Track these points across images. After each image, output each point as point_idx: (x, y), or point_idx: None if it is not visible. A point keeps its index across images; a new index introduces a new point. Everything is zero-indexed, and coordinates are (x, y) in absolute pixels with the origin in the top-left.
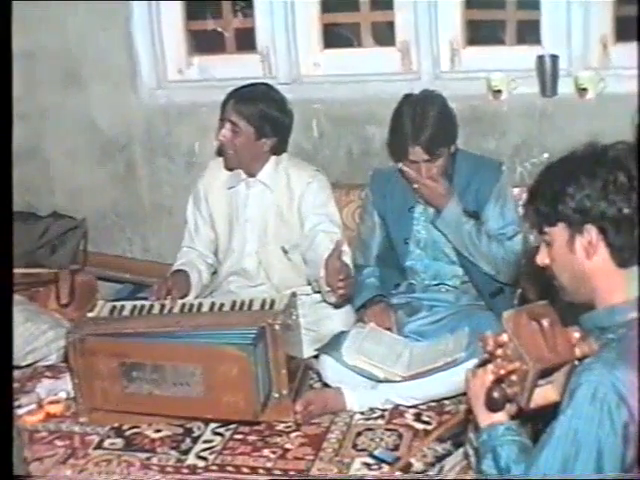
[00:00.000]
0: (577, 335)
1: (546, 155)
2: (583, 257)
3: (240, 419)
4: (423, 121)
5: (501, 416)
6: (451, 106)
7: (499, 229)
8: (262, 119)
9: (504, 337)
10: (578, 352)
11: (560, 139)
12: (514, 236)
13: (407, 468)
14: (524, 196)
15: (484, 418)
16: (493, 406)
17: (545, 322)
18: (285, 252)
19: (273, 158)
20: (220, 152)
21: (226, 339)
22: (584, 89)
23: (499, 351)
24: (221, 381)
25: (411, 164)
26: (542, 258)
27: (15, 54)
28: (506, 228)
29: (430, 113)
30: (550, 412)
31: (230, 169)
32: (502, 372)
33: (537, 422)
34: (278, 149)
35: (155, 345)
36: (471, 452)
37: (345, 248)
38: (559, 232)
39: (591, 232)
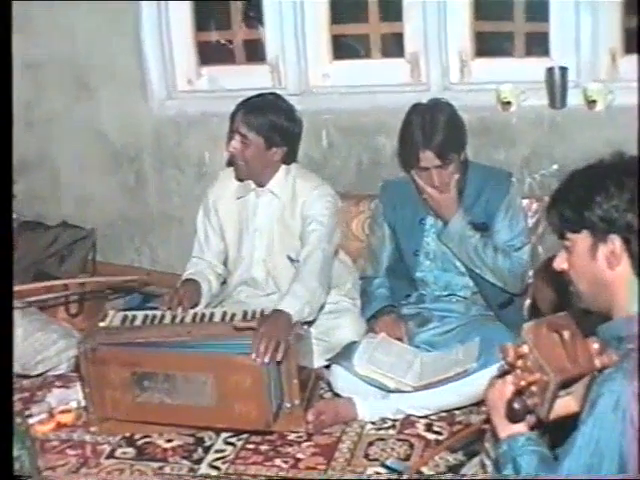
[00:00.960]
0: (596, 346)
1: (555, 166)
2: (605, 266)
3: (252, 429)
4: (433, 127)
5: (521, 427)
6: (459, 114)
7: (508, 241)
8: (271, 129)
9: (525, 348)
10: (598, 363)
11: (569, 151)
12: (522, 247)
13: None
14: (533, 207)
15: (504, 429)
16: (514, 417)
17: (566, 333)
18: (292, 261)
19: (283, 168)
20: (230, 163)
21: (239, 349)
22: (593, 101)
23: (519, 362)
24: (233, 390)
25: (422, 172)
26: (560, 263)
27: (25, 63)
28: (514, 240)
29: (440, 119)
30: (569, 423)
31: (241, 180)
32: (523, 383)
33: (556, 433)
34: (288, 158)
35: (167, 354)
36: (488, 462)
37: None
38: (582, 239)
39: (615, 242)
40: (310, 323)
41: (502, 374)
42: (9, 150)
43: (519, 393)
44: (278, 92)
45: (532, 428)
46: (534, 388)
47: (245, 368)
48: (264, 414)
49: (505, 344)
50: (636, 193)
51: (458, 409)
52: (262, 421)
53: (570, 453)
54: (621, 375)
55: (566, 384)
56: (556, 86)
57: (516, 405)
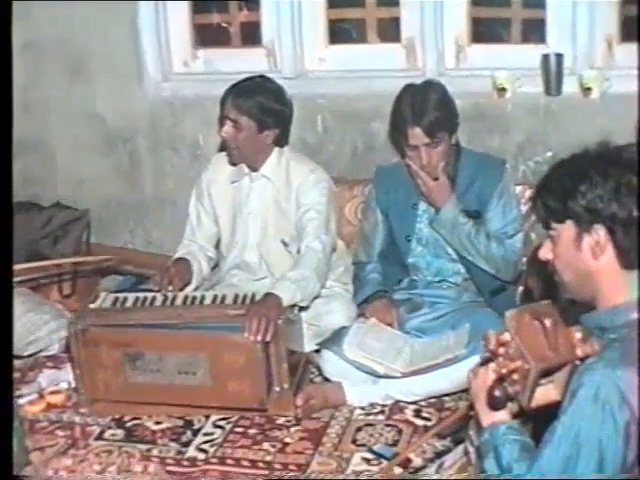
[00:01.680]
0: (579, 335)
1: (550, 154)
2: (589, 256)
3: (246, 407)
4: (423, 104)
5: (503, 415)
6: (451, 95)
7: (501, 228)
8: (262, 112)
9: (506, 336)
10: (580, 352)
11: (564, 138)
12: (515, 235)
13: (406, 464)
14: (527, 194)
15: (486, 417)
16: (495, 405)
17: (547, 322)
18: (285, 245)
19: (276, 150)
20: (223, 148)
21: (230, 331)
22: (588, 88)
23: (501, 350)
24: (227, 369)
25: (412, 152)
26: (545, 252)
27: (20, 45)
28: (507, 227)
29: (430, 97)
30: (551, 411)
31: (234, 165)
32: (504, 371)
33: (538, 421)
34: (281, 140)
35: (159, 334)
36: (471, 449)
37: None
38: (566, 229)
39: (600, 232)
40: (302, 308)
41: (484, 362)
42: (9, 134)
43: (501, 380)
44: (273, 76)
45: (514, 417)
46: (515, 376)
47: (239, 346)
48: (258, 392)
49: (487, 332)
50: (621, 182)
51: (447, 395)
52: (256, 399)
53: (550, 443)
54: (602, 365)
55: (547, 372)
56: (552, 73)
57: (497, 392)
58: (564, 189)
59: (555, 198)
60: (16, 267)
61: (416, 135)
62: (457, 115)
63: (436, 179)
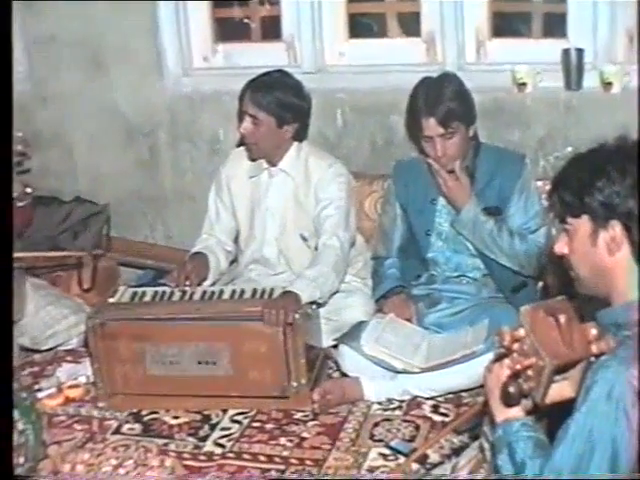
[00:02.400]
0: (594, 332)
1: (570, 149)
2: (604, 252)
3: (267, 395)
4: (437, 95)
5: (517, 411)
6: (465, 85)
7: (523, 224)
8: (280, 107)
9: (521, 332)
10: (595, 349)
11: (584, 133)
12: (537, 229)
13: (423, 459)
14: (547, 189)
15: (500, 413)
16: (509, 401)
17: (562, 318)
18: (304, 239)
19: (295, 145)
20: (242, 143)
21: (250, 321)
22: (609, 83)
23: (516, 346)
24: (249, 358)
25: (427, 143)
26: (561, 247)
27: (39, 38)
28: (529, 222)
29: (445, 88)
30: (566, 408)
31: (254, 160)
32: (518, 367)
33: (553, 418)
34: (300, 135)
35: (179, 326)
36: (486, 445)
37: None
38: (582, 224)
39: (616, 228)
40: (320, 304)
41: (499, 358)
42: (9, 132)
43: (515, 377)
44: (293, 70)
45: (528, 413)
46: (530, 372)
47: (260, 335)
48: (280, 380)
49: (501, 328)
50: (638, 179)
51: (465, 391)
52: (278, 387)
53: (563, 440)
54: (616, 363)
55: (562, 369)
56: (572, 68)
57: (511, 389)
58: (581, 184)
59: (572, 193)
60: (33, 254)
61: (430, 126)
62: (473, 107)
63: (451, 172)
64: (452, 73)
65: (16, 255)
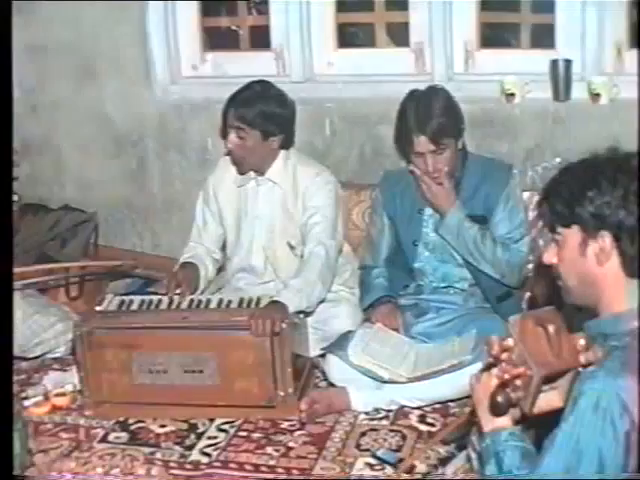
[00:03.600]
0: (582, 342)
1: (558, 160)
2: (594, 262)
3: (254, 405)
4: (427, 112)
5: (505, 421)
6: (456, 101)
7: (506, 233)
8: (265, 120)
9: (509, 342)
10: (583, 359)
11: (572, 144)
12: (521, 239)
13: (410, 470)
14: (534, 200)
15: (488, 422)
16: (497, 410)
17: (551, 328)
18: (292, 248)
19: (282, 153)
20: (230, 153)
21: (237, 331)
22: (597, 94)
23: (504, 355)
24: (235, 368)
25: (417, 158)
26: (550, 257)
27: (29, 47)
28: (513, 232)
29: (435, 104)
30: (553, 418)
31: (242, 173)
32: (506, 376)
33: (540, 428)
34: (286, 144)
35: (166, 335)
36: (473, 455)
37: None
38: (572, 234)
39: (606, 239)
40: (307, 313)
41: (487, 367)
42: (9, 135)
43: (503, 386)
44: (282, 79)
45: (516, 423)
46: (518, 382)
47: (247, 344)
48: (266, 390)
49: (490, 337)
50: (629, 190)
51: (452, 401)
52: (264, 397)
53: (550, 450)
54: (603, 374)
55: (550, 379)
56: (560, 79)
57: (499, 398)
58: (572, 194)
59: (562, 202)
60: (23, 269)
61: (422, 143)
62: (462, 120)
63: (440, 184)
64: (440, 87)
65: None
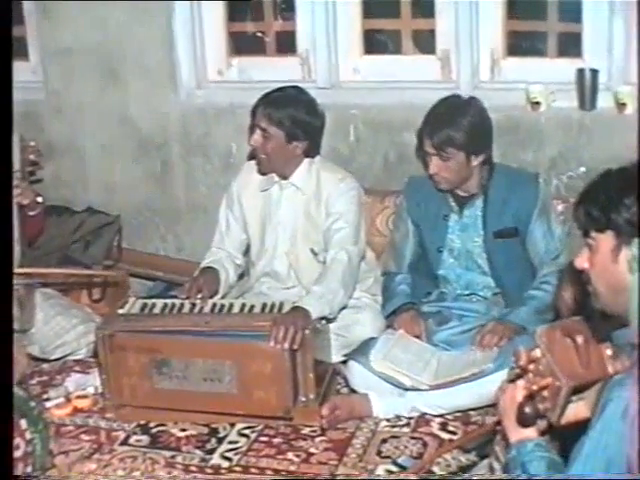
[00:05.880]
0: (610, 352)
1: (583, 169)
2: (625, 269)
3: (271, 416)
4: (443, 119)
5: (531, 432)
6: (488, 117)
7: (547, 250)
8: (292, 123)
9: (537, 352)
10: (611, 369)
11: (598, 153)
12: (560, 255)
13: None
14: (559, 208)
15: (514, 433)
16: (524, 422)
17: (579, 338)
18: (315, 254)
19: (306, 161)
20: (253, 157)
21: (257, 340)
22: (623, 104)
23: (531, 366)
24: (254, 377)
25: (426, 157)
26: (582, 261)
27: (54, 49)
28: (552, 247)
29: (455, 114)
30: (579, 428)
31: (264, 173)
32: (534, 388)
33: (566, 439)
34: (311, 152)
35: (187, 341)
36: (496, 465)
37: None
38: (606, 239)
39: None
40: (330, 319)
41: (514, 378)
42: (9, 135)
43: (531, 397)
44: (307, 85)
45: (542, 433)
46: (546, 393)
47: (266, 354)
48: (284, 401)
49: (518, 348)
50: None
51: (473, 409)
52: (282, 408)
53: (578, 458)
54: (631, 381)
55: (578, 389)
56: (586, 88)
57: (527, 409)
58: (609, 199)
59: (598, 207)
60: (43, 270)
61: (426, 144)
62: (482, 137)
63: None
64: (478, 102)
65: (26, 270)
